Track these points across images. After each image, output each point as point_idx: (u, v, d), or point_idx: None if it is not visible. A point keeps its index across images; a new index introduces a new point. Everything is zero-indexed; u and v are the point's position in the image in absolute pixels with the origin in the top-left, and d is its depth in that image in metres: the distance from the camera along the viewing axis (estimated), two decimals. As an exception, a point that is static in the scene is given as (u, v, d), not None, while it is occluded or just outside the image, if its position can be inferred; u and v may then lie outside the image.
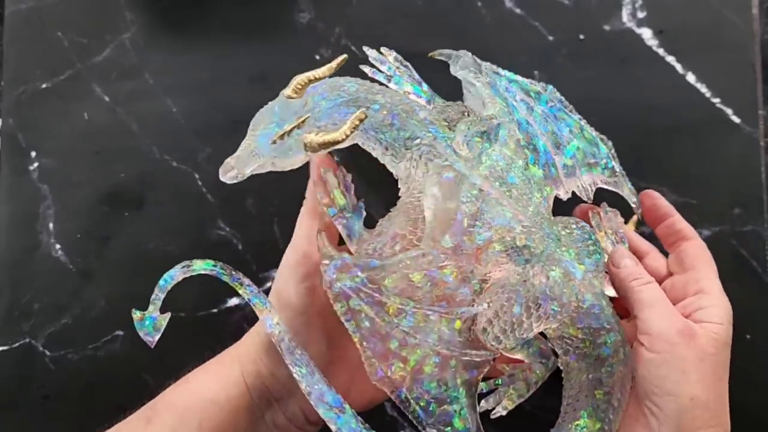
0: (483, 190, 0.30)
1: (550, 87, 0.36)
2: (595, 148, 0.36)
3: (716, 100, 0.48)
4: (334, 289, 0.31)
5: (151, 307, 0.32)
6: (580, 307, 0.31)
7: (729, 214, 0.47)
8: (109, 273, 0.51)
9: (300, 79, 0.30)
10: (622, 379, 0.32)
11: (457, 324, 0.31)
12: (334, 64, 0.30)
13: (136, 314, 0.32)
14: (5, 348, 0.51)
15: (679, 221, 0.36)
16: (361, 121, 0.29)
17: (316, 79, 0.30)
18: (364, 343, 0.31)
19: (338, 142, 0.29)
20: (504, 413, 0.34)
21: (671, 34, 0.49)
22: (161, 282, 0.32)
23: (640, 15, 0.49)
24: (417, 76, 0.36)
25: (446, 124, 0.32)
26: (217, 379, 0.35)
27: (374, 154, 0.33)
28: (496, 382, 0.35)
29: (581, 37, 0.50)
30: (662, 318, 0.30)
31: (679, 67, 0.49)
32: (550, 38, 0.50)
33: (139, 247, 0.51)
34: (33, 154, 0.53)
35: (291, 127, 0.30)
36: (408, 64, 0.36)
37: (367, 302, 0.30)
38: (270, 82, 0.51)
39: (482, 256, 0.30)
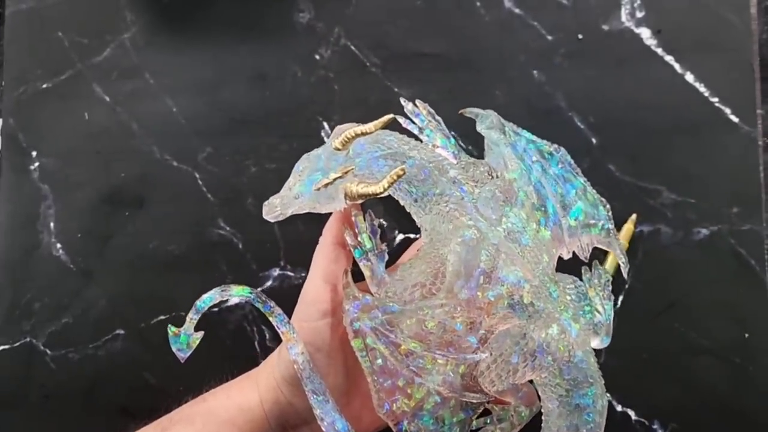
0: (500, 250, 0.33)
1: (562, 150, 0.38)
2: (595, 209, 0.38)
3: (715, 100, 0.48)
4: (354, 327, 0.33)
5: (186, 325, 0.33)
6: (571, 361, 0.34)
7: (727, 213, 0.48)
8: (110, 272, 0.51)
9: (349, 132, 0.32)
10: (596, 427, 0.35)
11: (461, 369, 0.34)
12: (380, 122, 0.32)
13: (172, 330, 0.33)
14: (6, 347, 0.51)
15: None
16: (400, 177, 0.32)
17: (364, 134, 0.32)
18: (375, 378, 0.34)
19: (376, 195, 0.32)
20: None
21: (670, 33, 0.49)
22: (199, 304, 0.34)
23: (639, 15, 0.49)
24: (447, 131, 0.38)
25: (474, 183, 0.35)
26: (237, 403, 0.37)
27: (402, 203, 0.35)
28: (486, 420, 0.38)
29: (580, 36, 0.50)
30: None
31: (677, 66, 0.49)
32: (549, 38, 0.50)
33: (139, 246, 0.51)
34: (34, 153, 0.53)
35: (335, 178, 0.32)
36: (440, 118, 0.38)
37: (383, 342, 0.33)
38: (269, 82, 0.52)
39: (492, 309, 0.33)
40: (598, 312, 0.37)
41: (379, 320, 0.33)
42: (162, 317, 0.51)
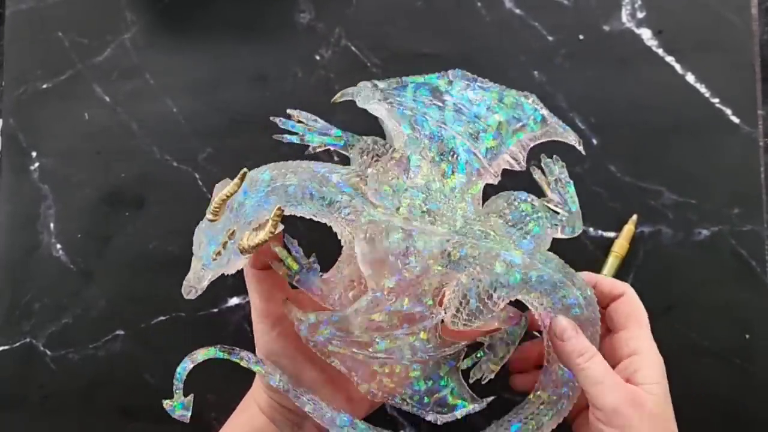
0: (406, 230, 0.34)
1: (458, 71, 0.37)
2: (519, 110, 0.37)
3: (715, 100, 0.48)
4: (311, 344, 0.36)
5: (175, 396, 0.37)
6: (529, 282, 0.35)
7: (728, 214, 0.48)
8: (110, 273, 0.51)
9: (215, 202, 0.33)
10: (589, 318, 0.36)
11: (423, 335, 0.35)
12: (237, 179, 0.33)
13: (166, 402, 0.37)
14: (6, 348, 0.51)
15: (604, 284, 0.38)
16: (279, 216, 0.33)
17: (229, 196, 0.33)
18: (352, 373, 0.36)
19: (267, 240, 0.32)
20: (492, 376, 0.39)
21: (670, 34, 0.49)
22: (177, 375, 0.37)
23: (640, 15, 0.49)
24: (327, 126, 0.38)
25: (359, 179, 0.35)
26: (242, 423, 0.40)
27: (306, 216, 0.36)
28: (478, 354, 0.39)
29: (581, 37, 0.50)
30: (612, 393, 0.33)
31: (678, 67, 0.49)
32: (550, 38, 0.50)
33: (139, 246, 0.51)
34: (34, 154, 0.53)
35: (223, 242, 0.34)
36: (316, 117, 0.38)
37: (342, 344, 0.35)
38: (270, 82, 0.52)
39: (424, 280, 0.34)
40: (557, 208, 0.38)
41: (328, 331, 0.35)
42: (162, 318, 0.51)
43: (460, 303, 0.35)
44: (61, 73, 0.53)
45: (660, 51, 0.49)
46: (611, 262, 0.47)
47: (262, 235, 0.32)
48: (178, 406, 0.37)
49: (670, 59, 0.49)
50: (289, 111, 0.38)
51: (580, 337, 0.35)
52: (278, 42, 0.52)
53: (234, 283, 0.50)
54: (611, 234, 0.48)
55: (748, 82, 0.48)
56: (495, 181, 0.37)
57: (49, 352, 0.51)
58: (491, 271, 0.35)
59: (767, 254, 0.47)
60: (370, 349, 0.35)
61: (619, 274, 0.47)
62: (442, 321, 0.36)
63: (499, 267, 0.35)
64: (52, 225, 0.52)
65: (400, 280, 0.34)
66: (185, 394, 0.37)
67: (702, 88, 0.49)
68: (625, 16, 0.50)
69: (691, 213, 0.48)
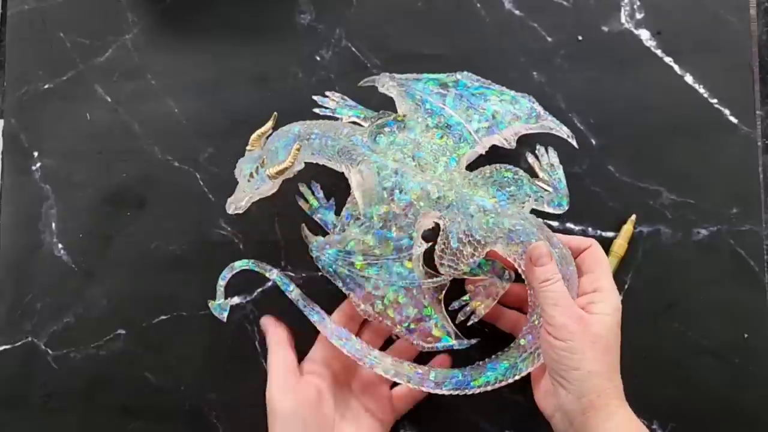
0: (394, 169, 0.41)
1: (466, 72, 0.45)
2: (516, 104, 0.44)
3: (714, 101, 0.49)
4: (320, 263, 0.43)
5: (217, 296, 0.46)
6: (503, 229, 0.41)
7: (727, 214, 0.48)
8: (111, 272, 0.51)
9: (253, 136, 0.44)
10: (566, 275, 0.41)
11: (407, 264, 0.42)
12: (271, 121, 0.44)
13: (210, 302, 0.46)
14: (8, 347, 0.52)
15: (573, 239, 0.44)
16: (298, 150, 0.42)
17: (263, 133, 0.44)
18: (350, 293, 0.43)
19: (287, 168, 0.42)
20: (476, 320, 0.45)
21: (669, 35, 0.49)
22: (220, 280, 0.46)
23: (639, 16, 0.50)
24: (353, 103, 0.48)
25: (364, 133, 0.43)
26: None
27: (327, 165, 0.44)
28: (465, 298, 0.45)
29: (580, 38, 0.50)
30: (563, 312, 0.38)
31: (677, 67, 0.49)
32: (549, 39, 0.50)
33: (141, 246, 0.51)
34: (35, 154, 0.53)
35: (256, 167, 0.43)
36: (346, 97, 0.48)
37: (343, 264, 0.42)
38: (271, 83, 0.52)
39: (410, 212, 0.41)
40: (545, 185, 0.44)
41: (332, 252, 0.43)
42: (163, 317, 0.51)
43: (444, 244, 0.41)
44: (63, 73, 0.53)
45: (659, 52, 0.49)
46: (610, 262, 0.47)
47: (284, 164, 0.42)
48: (217, 307, 0.46)
49: (668, 60, 0.49)
50: (327, 93, 0.49)
51: (552, 265, 0.40)
52: (279, 43, 0.52)
53: (234, 284, 0.50)
54: (610, 234, 0.48)
55: (746, 82, 0.49)
56: (483, 151, 0.43)
57: (50, 352, 0.51)
58: (466, 213, 0.41)
59: (766, 254, 0.48)
60: (366, 272, 0.42)
61: (618, 273, 0.48)
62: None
63: (472, 209, 0.41)
64: (53, 225, 0.52)
65: (388, 209, 0.41)
66: (226, 300, 0.46)
67: (701, 89, 0.49)
68: (624, 17, 0.50)
69: (690, 213, 0.48)
